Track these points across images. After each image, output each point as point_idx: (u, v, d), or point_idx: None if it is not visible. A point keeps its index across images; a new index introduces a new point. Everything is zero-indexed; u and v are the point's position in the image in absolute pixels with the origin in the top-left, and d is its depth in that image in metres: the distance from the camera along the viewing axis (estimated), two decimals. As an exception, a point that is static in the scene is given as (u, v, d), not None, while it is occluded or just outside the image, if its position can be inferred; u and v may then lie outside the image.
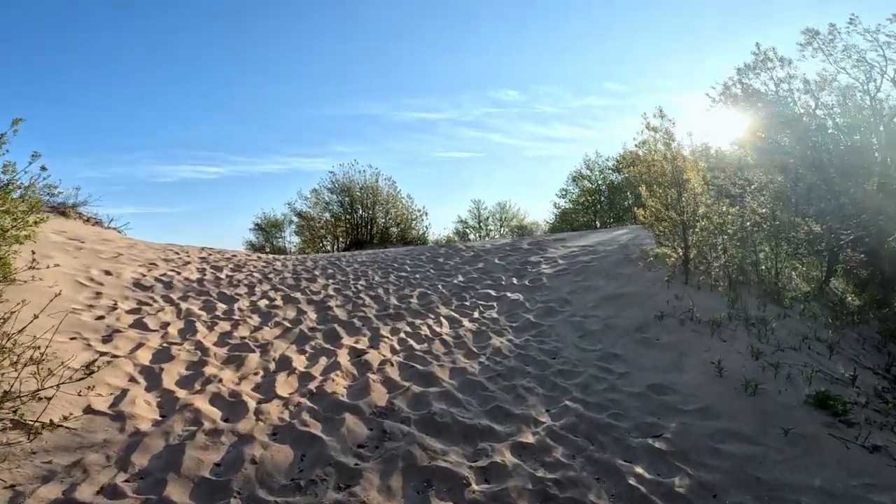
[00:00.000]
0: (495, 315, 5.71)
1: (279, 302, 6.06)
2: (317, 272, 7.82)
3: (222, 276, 7.12)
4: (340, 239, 18.71)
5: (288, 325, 5.21)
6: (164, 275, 6.68)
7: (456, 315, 5.70)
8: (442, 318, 5.57)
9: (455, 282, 7.20)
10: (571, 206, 24.64)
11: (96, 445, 2.80)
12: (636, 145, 15.40)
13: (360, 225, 18.27)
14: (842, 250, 6.14)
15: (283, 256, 9.83)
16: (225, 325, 5.07)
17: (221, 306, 5.70)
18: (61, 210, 11.86)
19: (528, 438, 3.10)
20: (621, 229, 11.00)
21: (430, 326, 5.29)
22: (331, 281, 7.25)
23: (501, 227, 24.81)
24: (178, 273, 6.92)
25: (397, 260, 9.06)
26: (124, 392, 3.48)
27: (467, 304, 6.14)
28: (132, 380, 3.72)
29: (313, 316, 5.56)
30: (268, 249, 20.84)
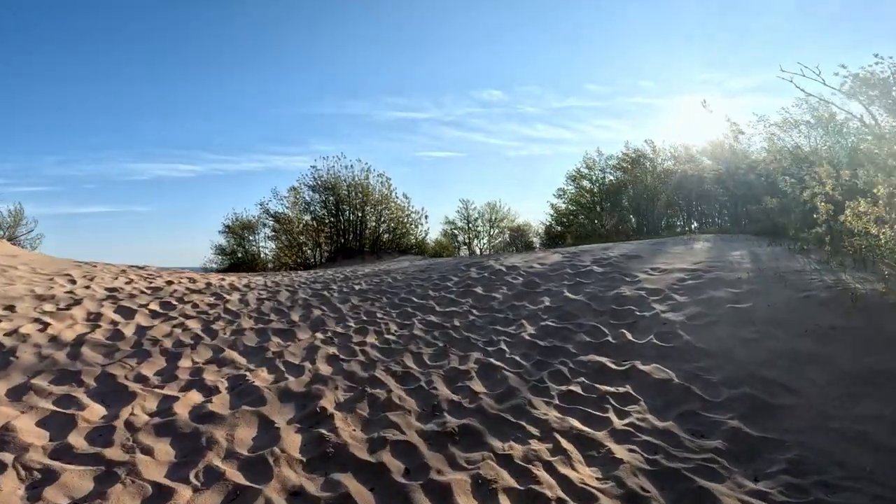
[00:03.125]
0: (655, 421, 2.92)
1: (222, 398, 3.12)
2: (295, 315, 4.89)
3: (129, 329, 4.12)
4: (323, 246, 15.65)
5: (236, 477, 2.29)
6: (9, 334, 3.64)
7: (578, 424, 2.89)
8: (558, 437, 2.75)
9: (525, 335, 4.40)
10: (568, 206, 22.90)
11: None
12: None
13: (348, 230, 15.25)
14: None
15: (245, 282, 6.81)
16: (56, 500, 2.13)
17: (92, 413, 2.75)
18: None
19: None
20: (698, 242, 8.41)
21: (552, 467, 2.46)
22: (319, 335, 4.33)
23: (492, 228, 22.79)
24: (45, 326, 3.89)
25: (412, 288, 6.20)
26: None
27: (577, 390, 3.34)
28: None
29: (293, 442, 2.64)
30: (240, 255, 17.63)
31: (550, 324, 4.66)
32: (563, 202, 23.20)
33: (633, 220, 20.14)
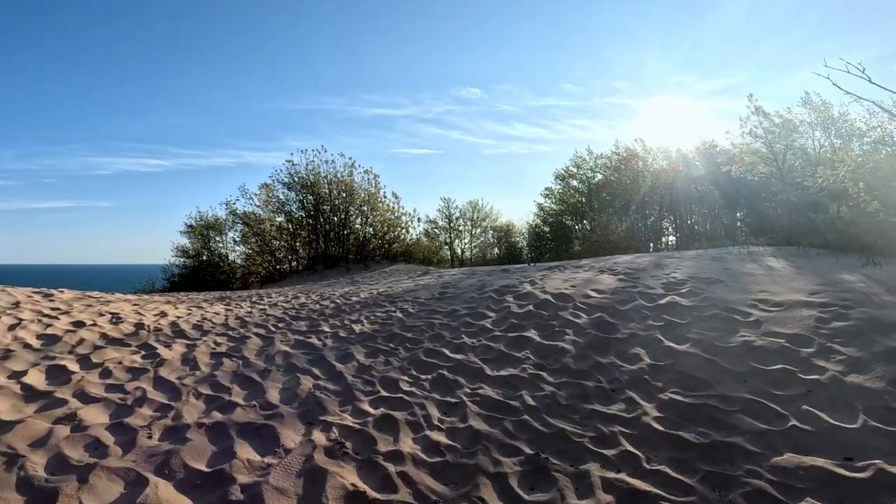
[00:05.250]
0: None
1: None
2: (273, 389, 3.08)
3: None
4: (300, 252, 13.62)
5: None
6: None
7: None
8: None
9: (650, 422, 2.76)
10: (557, 206, 22.07)
11: None
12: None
13: (329, 233, 13.27)
14: None
15: (196, 319, 4.91)
16: None
17: None
18: None
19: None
20: (765, 258, 7.02)
21: None
22: (319, 436, 2.55)
23: (474, 227, 21.69)
24: None
25: (437, 331, 4.51)
26: None
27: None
28: None
29: None
30: (204, 257, 15.40)
31: (677, 398, 3.03)
32: (551, 202, 22.27)
33: (638, 224, 19.18)
